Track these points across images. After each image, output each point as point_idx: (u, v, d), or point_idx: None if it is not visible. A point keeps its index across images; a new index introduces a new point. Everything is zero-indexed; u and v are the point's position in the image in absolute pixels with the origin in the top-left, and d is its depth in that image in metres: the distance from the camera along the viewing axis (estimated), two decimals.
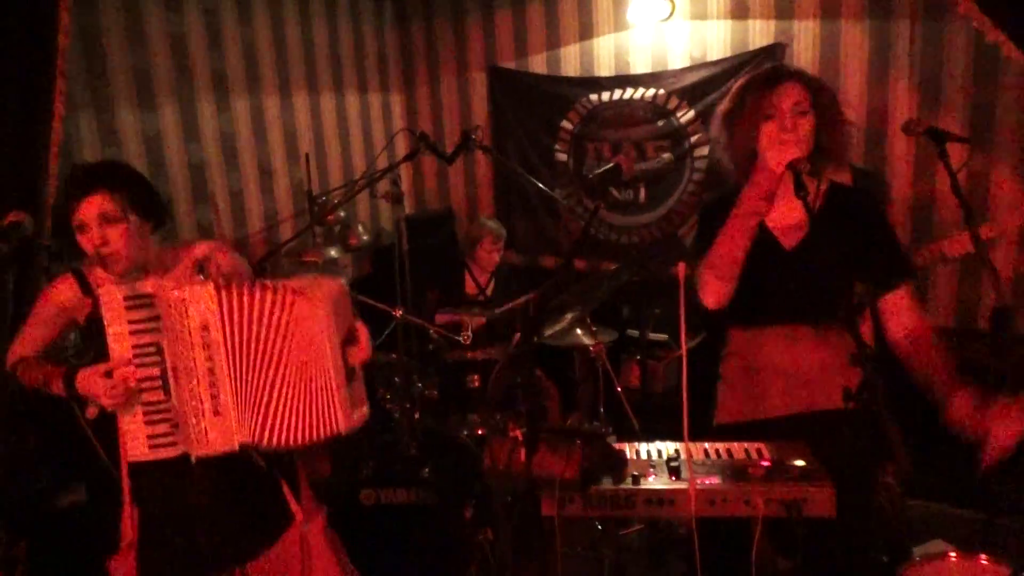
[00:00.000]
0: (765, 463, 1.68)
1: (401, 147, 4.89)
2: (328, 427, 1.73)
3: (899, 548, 2.70)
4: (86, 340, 1.87)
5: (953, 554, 1.76)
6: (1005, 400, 1.65)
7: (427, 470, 2.86)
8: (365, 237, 4.55)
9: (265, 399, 1.72)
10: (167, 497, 1.84)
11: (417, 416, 3.20)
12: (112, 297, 1.67)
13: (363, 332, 1.81)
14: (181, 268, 1.89)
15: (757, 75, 1.89)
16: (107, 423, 2.94)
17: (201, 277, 1.74)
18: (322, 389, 1.72)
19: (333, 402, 1.72)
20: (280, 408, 1.72)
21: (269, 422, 1.73)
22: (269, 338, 1.71)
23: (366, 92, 4.97)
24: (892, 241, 1.91)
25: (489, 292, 4.01)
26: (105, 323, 1.69)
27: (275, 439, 1.72)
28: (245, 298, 1.70)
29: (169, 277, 1.82)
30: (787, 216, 1.91)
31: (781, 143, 1.77)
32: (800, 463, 1.68)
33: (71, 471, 2.95)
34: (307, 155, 4.29)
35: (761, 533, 1.58)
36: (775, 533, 1.72)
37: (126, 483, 1.87)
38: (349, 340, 1.77)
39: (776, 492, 1.59)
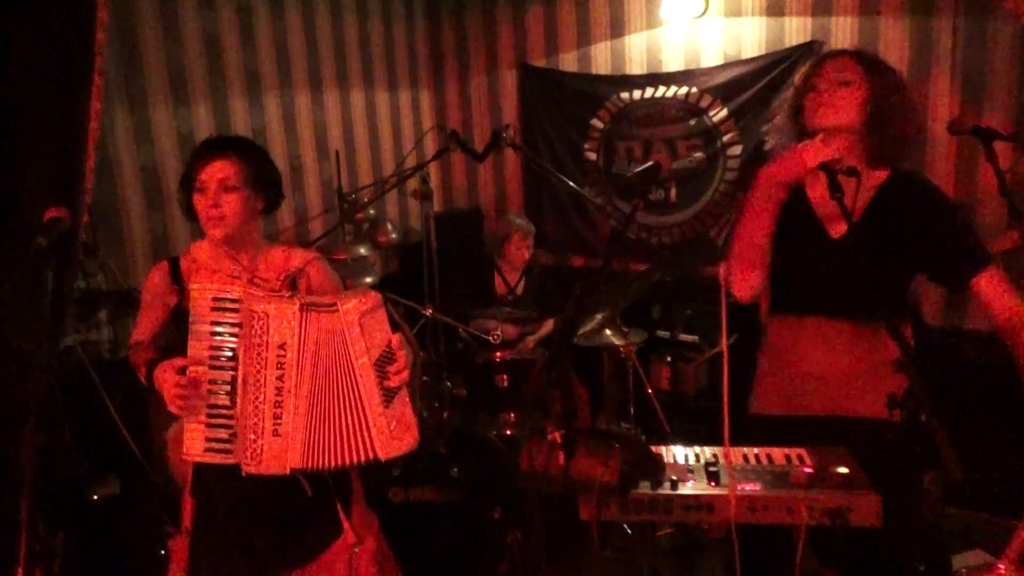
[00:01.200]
0: (807, 469, 1.64)
1: (430, 145, 4.89)
2: (362, 452, 1.68)
3: (937, 557, 2.64)
4: (174, 328, 1.89)
5: (1002, 566, 1.70)
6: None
7: (455, 469, 2.85)
8: (394, 235, 4.55)
9: (310, 422, 1.68)
10: (223, 492, 1.84)
11: (446, 415, 3.19)
12: (201, 295, 1.68)
13: (401, 351, 1.73)
14: (272, 273, 1.91)
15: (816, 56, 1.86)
16: (138, 415, 2.98)
17: (288, 293, 1.73)
18: (353, 410, 1.67)
19: (366, 425, 1.67)
20: (316, 430, 1.68)
21: (308, 445, 1.69)
22: (322, 359, 1.68)
23: (396, 89, 4.97)
24: (962, 229, 1.82)
25: (519, 291, 3.98)
26: (190, 319, 1.69)
27: (310, 462, 1.69)
28: (321, 321, 1.67)
29: (258, 285, 1.83)
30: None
31: (817, 109, 1.73)
32: (843, 470, 1.63)
33: (104, 463, 2.99)
34: (337, 152, 4.30)
35: (805, 542, 1.54)
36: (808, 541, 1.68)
37: (189, 473, 1.89)
38: (386, 358, 1.71)
39: (820, 500, 1.54)
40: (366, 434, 1.68)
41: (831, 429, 1.85)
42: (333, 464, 1.69)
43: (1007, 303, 1.76)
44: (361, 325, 1.66)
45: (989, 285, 1.77)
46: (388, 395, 1.70)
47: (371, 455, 1.68)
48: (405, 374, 1.73)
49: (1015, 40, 3.22)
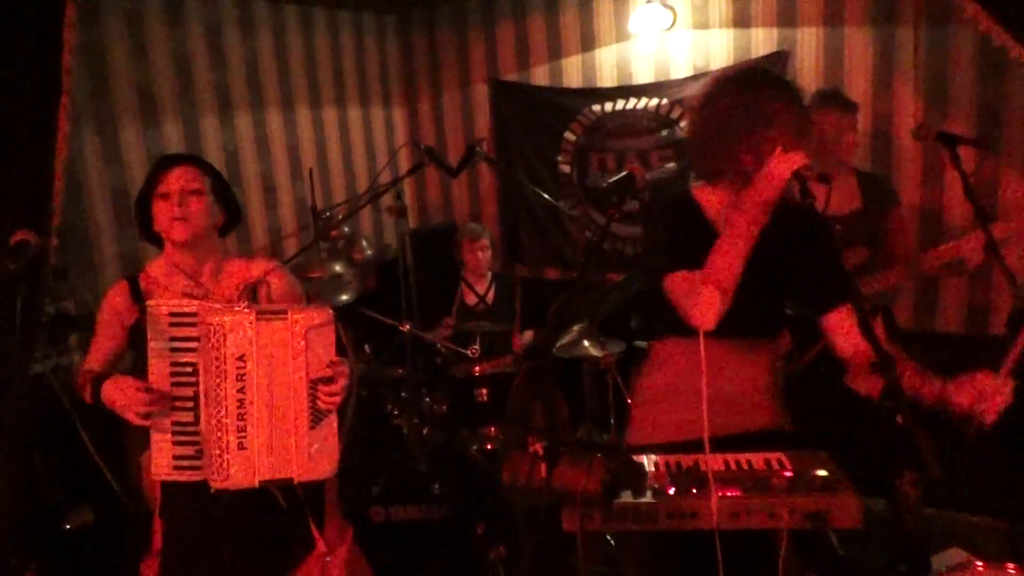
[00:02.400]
0: (787, 473, 1.65)
1: (403, 161, 4.89)
2: (280, 469, 1.67)
3: (918, 557, 2.66)
4: (131, 348, 1.86)
5: (980, 564, 1.72)
6: (987, 374, 1.64)
7: (437, 486, 2.83)
8: (369, 252, 4.52)
9: (271, 433, 1.68)
10: (193, 512, 1.82)
11: (426, 431, 3.17)
12: (158, 311, 1.67)
13: (340, 372, 1.71)
14: (233, 285, 1.89)
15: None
16: (112, 442, 2.93)
17: (245, 304, 1.72)
18: (280, 425, 1.66)
19: (288, 442, 1.66)
20: (277, 441, 1.68)
21: (273, 457, 1.68)
22: (274, 368, 1.67)
23: (368, 106, 4.97)
24: (837, 263, 1.85)
25: (490, 300, 3.99)
26: (148, 337, 1.67)
27: (277, 473, 1.69)
28: (273, 328, 1.66)
29: (215, 297, 1.81)
30: None
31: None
32: (823, 473, 1.65)
33: (78, 491, 2.93)
34: (310, 170, 4.27)
35: (788, 545, 1.54)
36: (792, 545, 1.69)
37: (157, 495, 1.86)
38: (322, 379, 1.70)
39: (800, 503, 1.55)
40: (287, 451, 1.67)
41: (722, 449, 1.78)
42: (255, 480, 1.68)
43: (854, 340, 1.80)
44: (306, 338, 1.66)
45: (847, 319, 1.81)
46: (316, 416, 1.69)
47: (286, 475, 1.68)
48: (338, 399, 1.71)
49: (975, 47, 3.30)
